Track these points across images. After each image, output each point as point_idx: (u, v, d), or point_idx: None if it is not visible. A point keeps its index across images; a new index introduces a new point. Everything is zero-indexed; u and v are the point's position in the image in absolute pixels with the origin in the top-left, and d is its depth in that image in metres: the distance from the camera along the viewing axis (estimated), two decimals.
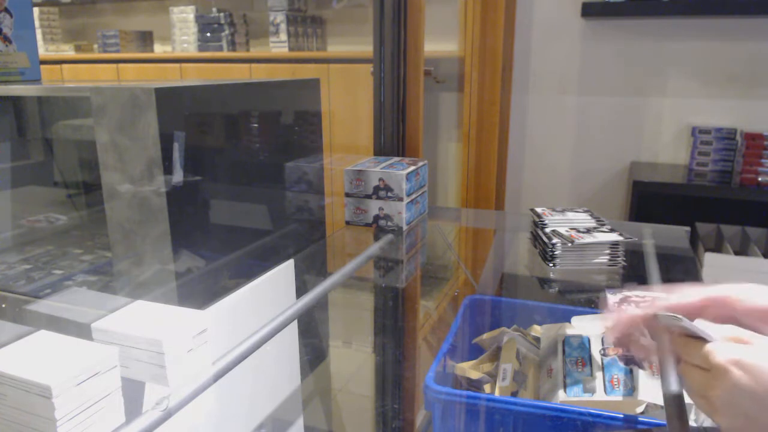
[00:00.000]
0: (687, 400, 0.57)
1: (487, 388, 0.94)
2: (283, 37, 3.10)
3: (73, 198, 1.39)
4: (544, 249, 1.17)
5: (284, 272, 0.99)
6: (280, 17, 3.08)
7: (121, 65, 3.34)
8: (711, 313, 0.58)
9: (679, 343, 0.56)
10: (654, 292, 0.62)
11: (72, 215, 1.38)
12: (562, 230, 1.19)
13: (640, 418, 0.75)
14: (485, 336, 1.03)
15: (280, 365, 1.01)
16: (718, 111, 2.36)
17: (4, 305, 0.99)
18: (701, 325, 0.55)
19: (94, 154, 0.90)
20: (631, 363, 0.84)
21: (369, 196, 1.33)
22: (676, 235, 1.37)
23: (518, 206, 2.74)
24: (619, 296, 0.62)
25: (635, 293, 0.62)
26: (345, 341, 1.38)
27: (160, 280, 0.92)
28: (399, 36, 1.48)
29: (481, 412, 0.82)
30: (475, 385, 0.95)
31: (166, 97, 0.86)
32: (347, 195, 1.36)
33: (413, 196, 1.37)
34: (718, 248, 2.15)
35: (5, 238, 1.27)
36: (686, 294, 0.60)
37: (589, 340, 0.90)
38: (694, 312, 0.58)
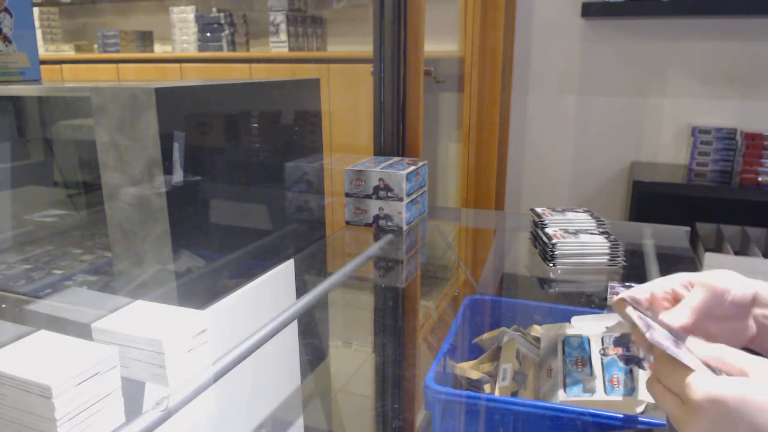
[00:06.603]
0: None
1: (487, 388, 0.94)
2: (283, 37, 3.10)
3: (73, 198, 1.39)
4: (544, 249, 1.17)
5: (284, 272, 0.99)
6: (280, 17, 3.08)
7: (121, 65, 3.34)
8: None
9: (656, 358, 0.51)
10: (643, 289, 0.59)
11: (72, 215, 1.38)
12: (561, 231, 1.19)
13: (640, 418, 0.75)
14: (485, 336, 1.03)
15: (280, 365, 1.01)
16: (718, 111, 2.36)
17: (4, 305, 0.99)
18: (690, 344, 0.50)
19: (94, 154, 0.90)
20: (631, 363, 0.84)
21: (369, 196, 1.33)
22: (676, 235, 1.37)
23: (518, 206, 2.74)
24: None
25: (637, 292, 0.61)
26: (345, 341, 1.38)
27: (160, 280, 0.92)
28: (399, 36, 1.48)
29: (481, 412, 0.82)
30: (475, 385, 0.95)
31: (166, 97, 0.86)
32: (347, 195, 1.36)
33: (413, 196, 1.37)
34: (718, 248, 2.16)
35: (5, 238, 1.27)
36: (663, 285, 0.58)
37: (589, 340, 0.90)
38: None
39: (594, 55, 2.49)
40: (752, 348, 0.59)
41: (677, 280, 0.59)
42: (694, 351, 0.50)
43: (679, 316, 0.55)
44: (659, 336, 0.51)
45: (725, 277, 0.56)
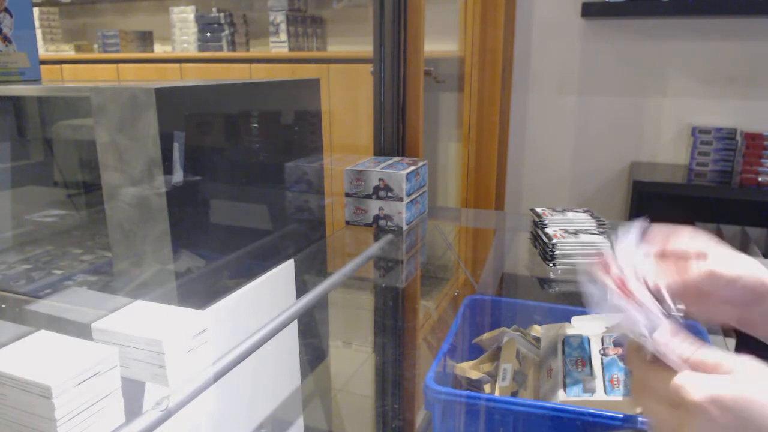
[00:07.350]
0: None
1: (487, 388, 0.94)
2: (283, 37, 3.10)
3: (73, 198, 1.39)
4: (544, 249, 1.17)
5: (284, 272, 0.99)
6: (280, 17, 3.08)
7: (121, 65, 3.34)
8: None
9: (636, 365, 0.47)
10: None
11: (72, 215, 1.38)
12: (561, 230, 1.19)
13: (640, 418, 0.75)
14: (485, 336, 1.03)
15: (280, 365, 1.01)
16: (718, 111, 2.36)
17: (4, 305, 0.99)
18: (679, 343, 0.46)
19: (94, 154, 0.90)
20: None
21: (369, 196, 1.33)
22: None
23: (518, 206, 2.74)
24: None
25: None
26: (345, 341, 1.38)
27: (160, 280, 0.92)
28: (399, 36, 1.48)
29: (481, 412, 0.82)
30: (475, 385, 0.95)
31: (166, 97, 0.86)
32: (347, 195, 1.36)
33: (413, 196, 1.37)
34: None
35: (5, 238, 1.27)
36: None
37: (588, 340, 0.90)
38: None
39: (594, 55, 2.49)
40: (738, 327, 0.57)
41: (691, 244, 0.56)
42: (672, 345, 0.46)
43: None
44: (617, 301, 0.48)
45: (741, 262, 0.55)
